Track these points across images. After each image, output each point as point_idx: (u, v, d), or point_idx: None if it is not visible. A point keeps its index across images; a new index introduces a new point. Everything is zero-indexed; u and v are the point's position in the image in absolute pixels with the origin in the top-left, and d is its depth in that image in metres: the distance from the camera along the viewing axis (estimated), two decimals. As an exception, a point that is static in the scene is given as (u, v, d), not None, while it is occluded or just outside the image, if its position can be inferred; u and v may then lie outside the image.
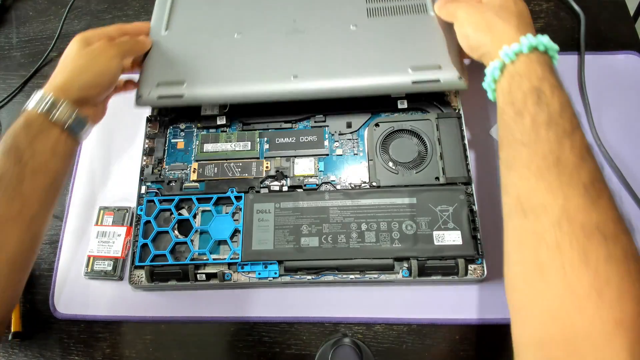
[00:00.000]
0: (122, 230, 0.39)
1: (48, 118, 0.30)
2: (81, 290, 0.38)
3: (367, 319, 0.36)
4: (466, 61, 0.40)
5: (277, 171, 0.38)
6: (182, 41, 0.40)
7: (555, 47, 0.29)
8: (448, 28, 0.36)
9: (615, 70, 0.43)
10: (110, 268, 0.38)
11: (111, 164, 0.43)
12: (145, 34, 0.39)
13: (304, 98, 0.37)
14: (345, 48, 0.38)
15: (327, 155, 0.39)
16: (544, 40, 0.28)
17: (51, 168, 0.30)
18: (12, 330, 0.37)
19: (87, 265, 0.38)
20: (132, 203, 0.39)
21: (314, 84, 0.37)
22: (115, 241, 0.38)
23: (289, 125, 0.40)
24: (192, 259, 0.36)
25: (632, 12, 0.47)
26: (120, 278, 0.38)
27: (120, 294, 0.38)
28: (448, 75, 0.35)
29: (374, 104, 0.40)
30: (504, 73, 0.29)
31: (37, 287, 0.40)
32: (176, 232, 0.37)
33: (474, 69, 0.42)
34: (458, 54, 0.36)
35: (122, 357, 0.36)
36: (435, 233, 0.34)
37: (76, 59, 0.33)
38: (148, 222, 0.37)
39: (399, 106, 0.39)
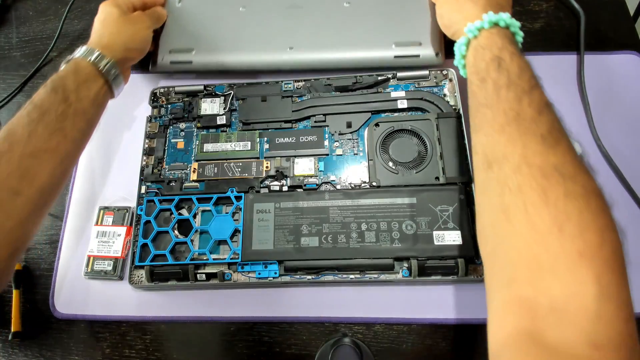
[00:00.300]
0: (122, 230, 0.39)
1: (96, 68, 0.34)
2: (81, 290, 0.39)
3: (367, 319, 0.36)
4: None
5: (277, 171, 0.38)
6: (193, 12, 0.45)
7: (517, 23, 0.31)
8: (432, 8, 0.41)
9: (615, 70, 0.43)
10: (110, 268, 0.38)
11: (111, 163, 0.43)
12: (161, 5, 0.44)
13: (298, 68, 0.42)
14: (337, 23, 0.43)
15: (327, 155, 0.39)
16: (505, 16, 0.31)
17: (89, 114, 0.33)
18: (12, 330, 0.38)
19: (87, 265, 0.38)
20: (132, 203, 0.39)
21: (307, 56, 0.42)
22: (115, 241, 0.39)
23: (289, 125, 0.41)
24: (192, 259, 0.36)
25: (632, 12, 0.47)
26: (120, 278, 0.38)
27: (120, 294, 0.38)
28: (426, 52, 0.41)
29: (373, 104, 0.40)
30: (469, 48, 0.32)
31: (37, 287, 0.40)
32: (176, 232, 0.37)
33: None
34: (437, 32, 0.41)
35: (122, 357, 0.37)
36: (435, 233, 0.34)
37: (119, 23, 0.37)
38: (148, 222, 0.37)
39: (399, 106, 0.40)
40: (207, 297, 0.37)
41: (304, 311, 0.36)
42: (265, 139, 0.40)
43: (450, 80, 0.40)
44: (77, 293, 0.39)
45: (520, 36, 0.32)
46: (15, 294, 0.39)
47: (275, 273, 0.35)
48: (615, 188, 0.38)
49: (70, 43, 0.51)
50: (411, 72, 0.41)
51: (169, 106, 0.42)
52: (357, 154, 0.39)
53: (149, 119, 0.42)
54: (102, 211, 0.40)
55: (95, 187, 0.42)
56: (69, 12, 0.51)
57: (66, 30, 0.51)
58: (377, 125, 0.39)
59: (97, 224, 0.40)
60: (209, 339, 0.37)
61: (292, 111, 0.41)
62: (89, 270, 0.38)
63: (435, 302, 0.36)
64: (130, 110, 0.45)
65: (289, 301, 0.37)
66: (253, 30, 0.44)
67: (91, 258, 0.39)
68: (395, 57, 0.41)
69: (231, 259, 0.35)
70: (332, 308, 0.36)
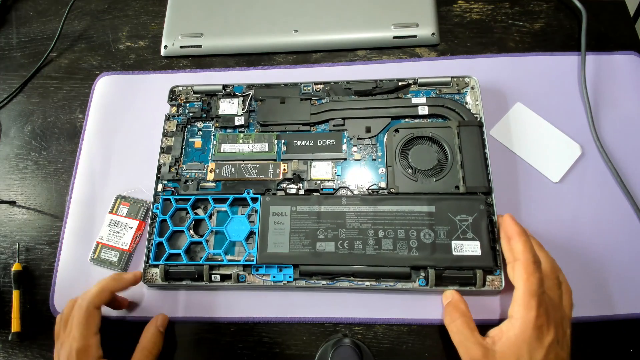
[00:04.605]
0: (134, 223, 0.42)
1: None
2: (81, 291, 0.40)
3: (367, 320, 0.38)
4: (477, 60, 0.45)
5: (294, 174, 0.41)
6: None
7: None
8: None
9: (615, 70, 0.46)
10: (115, 259, 0.41)
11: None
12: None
13: (303, 49, 0.50)
14: (339, 7, 0.50)
15: (345, 159, 0.42)
16: None
17: None
18: (12, 331, 0.40)
19: (95, 252, 0.42)
20: (147, 197, 0.42)
21: (311, 38, 0.49)
22: (126, 233, 0.42)
23: (307, 127, 0.44)
24: (207, 260, 0.39)
25: (632, 12, 0.50)
26: (124, 270, 0.41)
27: (120, 294, 0.40)
28: (423, 32, 0.48)
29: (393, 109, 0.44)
30: None
31: (37, 287, 0.43)
32: (191, 231, 0.41)
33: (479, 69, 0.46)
34: (433, 13, 0.49)
35: (121, 357, 0.39)
36: (453, 243, 0.37)
37: None
38: (164, 220, 0.40)
39: (420, 112, 0.43)
40: (207, 298, 0.40)
41: (304, 312, 0.39)
42: (283, 141, 0.43)
43: (472, 87, 0.44)
44: (77, 293, 0.40)
45: None
46: (15, 294, 0.41)
47: (290, 277, 0.38)
48: (614, 188, 0.41)
49: (71, 44, 0.54)
50: (432, 79, 0.44)
51: (187, 105, 0.46)
52: (375, 160, 0.42)
53: (167, 117, 0.45)
54: (119, 200, 0.43)
55: (95, 187, 0.45)
56: (69, 13, 0.55)
57: (66, 30, 0.55)
58: (396, 131, 0.42)
59: (111, 212, 0.43)
60: (209, 339, 0.39)
61: (311, 114, 0.44)
62: (95, 257, 0.41)
63: (435, 304, 0.38)
64: (129, 109, 0.48)
65: (289, 302, 0.39)
66: (260, 15, 0.51)
67: (100, 245, 0.42)
68: (394, 37, 0.48)
69: (246, 260, 0.38)
70: (332, 308, 0.39)
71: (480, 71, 0.46)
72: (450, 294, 0.37)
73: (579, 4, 0.48)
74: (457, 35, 0.50)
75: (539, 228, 0.40)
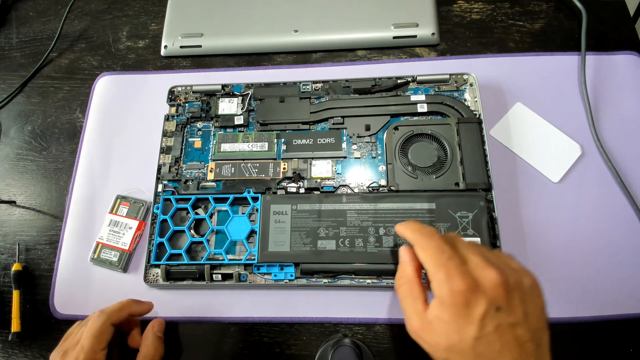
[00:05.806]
0: (134, 223, 0.42)
1: None
2: (81, 291, 0.42)
3: (367, 320, 0.39)
4: (476, 61, 0.45)
5: (294, 173, 0.42)
6: None
7: None
8: None
9: (615, 70, 0.47)
10: (115, 259, 0.41)
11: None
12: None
13: (303, 49, 0.51)
14: (339, 7, 0.51)
15: (345, 157, 0.42)
16: None
17: None
18: (12, 331, 0.41)
19: (95, 252, 0.42)
20: (147, 197, 0.43)
21: (311, 38, 0.50)
22: (126, 233, 0.42)
23: (306, 126, 0.44)
24: (208, 259, 0.39)
25: (632, 12, 0.51)
26: (124, 270, 0.42)
27: (120, 294, 0.40)
28: (423, 32, 0.49)
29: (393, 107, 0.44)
30: None
31: (37, 287, 0.43)
32: (192, 231, 0.41)
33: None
34: (433, 13, 0.50)
35: (121, 357, 0.39)
36: None
37: None
38: (164, 220, 0.41)
39: (419, 110, 0.43)
40: (207, 298, 0.40)
41: (304, 312, 0.39)
42: (283, 140, 0.44)
43: (471, 84, 0.44)
44: (77, 293, 0.42)
45: None
46: (15, 294, 0.42)
47: (292, 275, 0.38)
48: (614, 188, 0.42)
49: (70, 44, 0.55)
50: (431, 76, 0.45)
51: (187, 105, 0.46)
52: (375, 158, 0.42)
53: (167, 118, 0.45)
54: (119, 200, 0.44)
55: (95, 187, 0.46)
56: (69, 13, 0.55)
57: (66, 30, 0.55)
58: (396, 129, 0.43)
59: (111, 212, 0.43)
60: (209, 339, 0.40)
61: (310, 113, 0.44)
62: (95, 257, 0.42)
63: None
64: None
65: (289, 302, 0.40)
66: (260, 15, 0.51)
67: (99, 245, 0.42)
68: (394, 37, 0.49)
69: (247, 259, 0.39)
70: (332, 308, 0.39)
71: (480, 71, 0.47)
72: (402, 250, 0.32)
73: (579, 4, 0.49)
74: (457, 35, 0.51)
75: (539, 228, 0.40)
